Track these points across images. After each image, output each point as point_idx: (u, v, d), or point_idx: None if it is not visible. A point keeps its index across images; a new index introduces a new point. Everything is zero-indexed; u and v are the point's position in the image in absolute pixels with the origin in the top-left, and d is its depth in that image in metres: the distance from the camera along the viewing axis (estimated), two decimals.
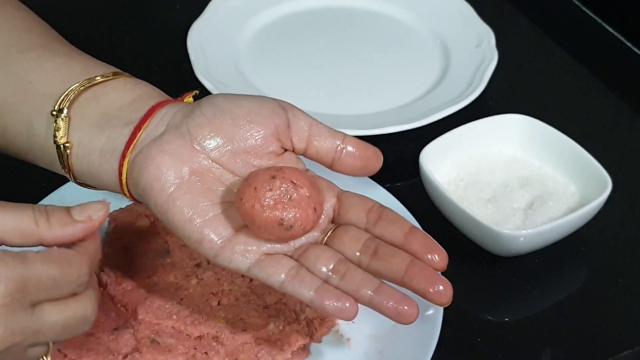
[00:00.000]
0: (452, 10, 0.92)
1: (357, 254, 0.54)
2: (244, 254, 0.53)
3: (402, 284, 0.53)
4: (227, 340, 0.61)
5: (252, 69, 0.87)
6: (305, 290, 0.52)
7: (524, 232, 0.66)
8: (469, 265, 0.70)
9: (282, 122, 0.57)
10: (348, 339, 0.63)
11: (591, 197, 0.68)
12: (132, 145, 0.56)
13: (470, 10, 0.91)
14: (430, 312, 0.62)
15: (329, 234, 0.55)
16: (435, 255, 0.54)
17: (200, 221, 0.54)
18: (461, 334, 0.65)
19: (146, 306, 0.62)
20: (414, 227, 0.55)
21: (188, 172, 0.55)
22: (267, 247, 0.54)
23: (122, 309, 0.63)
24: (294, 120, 0.57)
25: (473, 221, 0.67)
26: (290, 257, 0.54)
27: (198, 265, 0.66)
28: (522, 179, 0.73)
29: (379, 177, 0.72)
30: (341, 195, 0.57)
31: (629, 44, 0.90)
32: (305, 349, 0.62)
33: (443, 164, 0.73)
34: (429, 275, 0.53)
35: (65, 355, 0.59)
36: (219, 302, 0.64)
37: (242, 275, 0.65)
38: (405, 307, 0.52)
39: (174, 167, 0.55)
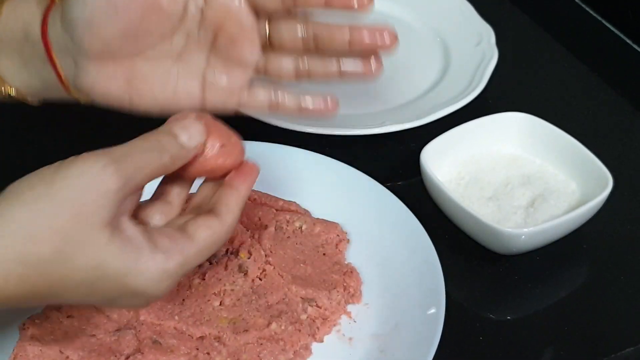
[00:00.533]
0: (452, 9, 0.92)
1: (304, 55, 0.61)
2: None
3: (353, 53, 0.60)
4: (229, 340, 0.61)
5: None
6: (289, 109, 0.62)
7: (526, 230, 0.66)
8: (471, 264, 0.70)
9: None
10: (350, 339, 0.63)
11: (592, 195, 0.68)
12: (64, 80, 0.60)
13: (469, 9, 0.92)
14: (432, 310, 0.62)
15: (267, 34, 0.60)
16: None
17: None
18: (463, 332, 0.65)
19: (148, 307, 0.62)
20: None
21: None
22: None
23: (123, 309, 0.63)
24: None
25: (474, 220, 0.67)
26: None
27: (200, 265, 0.65)
28: (522, 177, 0.73)
29: (380, 176, 0.73)
30: None
31: (628, 41, 0.90)
32: (307, 348, 0.62)
33: (444, 163, 0.73)
34: (369, 33, 0.60)
35: (67, 357, 0.59)
36: (221, 302, 0.64)
37: (244, 275, 0.65)
38: (373, 61, 0.61)
39: None
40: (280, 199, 0.72)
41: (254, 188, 0.71)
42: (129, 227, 0.50)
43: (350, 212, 0.71)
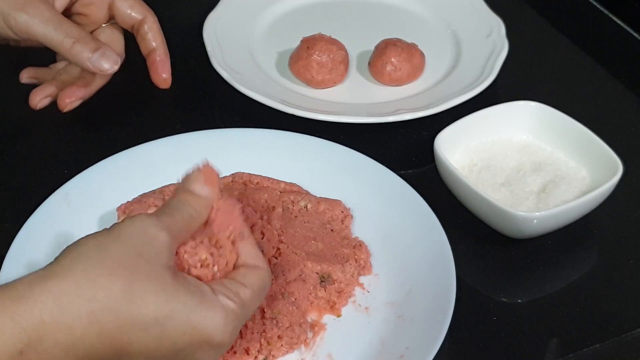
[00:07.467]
0: (462, 2, 0.93)
1: None
2: None
3: None
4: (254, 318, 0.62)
5: (267, 58, 0.88)
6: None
7: (538, 214, 0.66)
8: (483, 248, 0.71)
9: None
10: (366, 308, 0.65)
11: (602, 181, 0.69)
12: None
13: (480, 2, 0.93)
14: (443, 271, 0.63)
15: None
16: None
17: None
18: (476, 315, 0.66)
19: None
20: None
21: None
22: None
23: None
24: None
25: (488, 204, 0.67)
26: None
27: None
28: (534, 163, 0.74)
29: (393, 164, 0.74)
30: None
31: (634, 34, 0.91)
32: (325, 322, 0.64)
33: (457, 150, 0.74)
34: None
35: None
36: None
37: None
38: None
39: None
40: (282, 181, 0.73)
41: (255, 173, 0.72)
42: (186, 275, 0.52)
43: (348, 189, 0.72)
